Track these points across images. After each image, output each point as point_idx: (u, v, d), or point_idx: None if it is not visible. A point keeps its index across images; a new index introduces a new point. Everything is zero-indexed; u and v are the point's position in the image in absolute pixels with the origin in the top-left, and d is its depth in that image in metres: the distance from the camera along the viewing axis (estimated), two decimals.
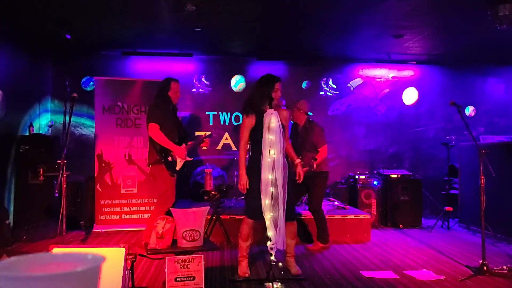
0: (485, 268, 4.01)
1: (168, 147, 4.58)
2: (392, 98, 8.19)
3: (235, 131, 6.62)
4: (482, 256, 4.08)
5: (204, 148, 5.23)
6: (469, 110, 8.20)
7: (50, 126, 7.22)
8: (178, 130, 4.80)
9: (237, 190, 4.37)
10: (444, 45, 7.05)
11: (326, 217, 5.72)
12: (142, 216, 6.35)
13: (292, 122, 5.33)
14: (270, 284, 3.64)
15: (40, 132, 6.87)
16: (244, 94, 7.90)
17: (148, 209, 6.38)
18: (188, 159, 4.78)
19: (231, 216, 5.64)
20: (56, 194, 4.84)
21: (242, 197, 6.61)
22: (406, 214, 6.64)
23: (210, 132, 5.41)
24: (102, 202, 6.25)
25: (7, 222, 5.24)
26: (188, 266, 3.34)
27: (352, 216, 5.79)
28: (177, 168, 4.69)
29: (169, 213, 3.94)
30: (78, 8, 5.41)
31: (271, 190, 3.72)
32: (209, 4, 5.08)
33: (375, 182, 6.72)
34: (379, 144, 8.11)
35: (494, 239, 5.44)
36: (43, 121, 7.15)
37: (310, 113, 5.38)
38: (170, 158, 4.64)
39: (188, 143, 4.84)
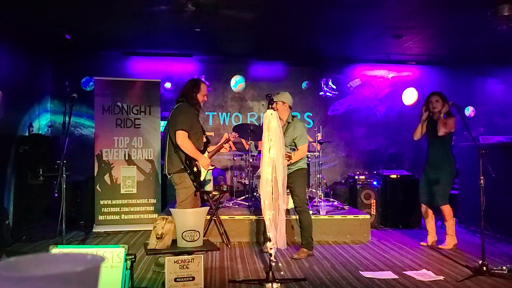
0: (484, 268, 4.01)
1: (195, 156, 4.25)
2: (392, 99, 8.19)
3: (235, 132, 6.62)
4: (481, 257, 4.09)
5: (223, 150, 4.81)
6: (469, 111, 8.21)
7: (49, 126, 7.23)
8: (203, 137, 4.48)
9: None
10: (444, 45, 7.05)
11: (326, 217, 5.74)
12: (142, 217, 6.35)
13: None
14: (270, 284, 3.64)
15: (40, 132, 6.88)
16: (244, 94, 7.92)
17: (147, 209, 6.39)
18: (211, 167, 4.52)
19: (230, 216, 5.64)
20: (56, 194, 4.83)
21: (243, 197, 6.63)
22: (405, 215, 6.65)
23: (228, 137, 4.99)
24: (101, 202, 6.26)
25: (7, 222, 5.24)
26: (188, 266, 3.34)
27: (351, 217, 5.79)
28: (202, 178, 4.38)
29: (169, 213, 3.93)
30: (78, 8, 5.42)
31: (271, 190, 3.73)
32: (209, 4, 5.09)
33: (374, 183, 6.72)
34: (378, 144, 8.12)
35: (494, 240, 5.44)
36: (43, 121, 7.15)
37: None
38: (195, 168, 4.29)
39: (210, 151, 4.51)
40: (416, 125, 5.47)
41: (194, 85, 4.43)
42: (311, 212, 5.63)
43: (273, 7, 5.35)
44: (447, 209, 5.14)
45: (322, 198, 6.44)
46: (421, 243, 5.38)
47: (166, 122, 4.49)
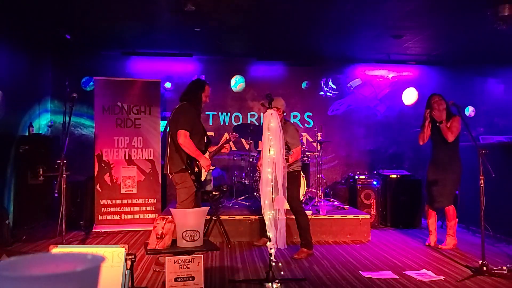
0: (484, 268, 4.01)
1: (196, 156, 4.24)
2: (392, 98, 8.19)
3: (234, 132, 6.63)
4: (481, 257, 4.09)
5: (224, 150, 4.84)
6: (469, 111, 8.20)
7: (49, 126, 7.22)
8: (204, 137, 4.50)
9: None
10: (444, 45, 7.05)
11: (326, 217, 5.74)
12: (142, 216, 6.36)
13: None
14: (270, 284, 3.64)
15: (40, 132, 6.87)
16: (244, 94, 7.92)
17: (147, 209, 6.39)
18: (212, 168, 4.51)
19: (230, 216, 5.64)
20: (56, 194, 4.83)
21: (243, 197, 6.63)
22: (405, 214, 6.64)
23: (228, 137, 5.04)
24: (101, 202, 6.26)
25: (7, 222, 5.24)
26: (188, 266, 3.34)
27: (351, 217, 5.79)
28: (203, 178, 4.39)
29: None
30: (78, 8, 5.42)
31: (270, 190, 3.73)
32: (209, 4, 5.09)
33: (374, 183, 6.72)
34: (378, 144, 8.11)
35: (494, 240, 5.45)
36: (43, 121, 7.15)
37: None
38: (196, 168, 4.30)
39: (210, 152, 4.52)
40: (419, 127, 5.45)
41: (199, 86, 4.47)
42: (310, 212, 5.64)
43: (273, 7, 5.35)
44: (452, 210, 5.15)
45: (322, 198, 6.45)
46: (427, 243, 5.35)
47: (166, 122, 4.49)
